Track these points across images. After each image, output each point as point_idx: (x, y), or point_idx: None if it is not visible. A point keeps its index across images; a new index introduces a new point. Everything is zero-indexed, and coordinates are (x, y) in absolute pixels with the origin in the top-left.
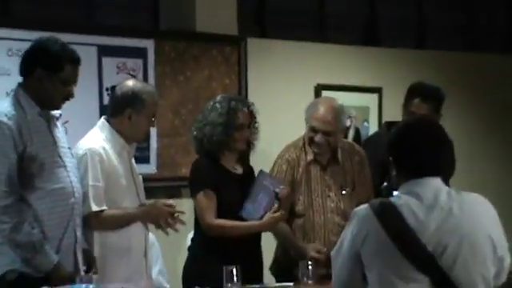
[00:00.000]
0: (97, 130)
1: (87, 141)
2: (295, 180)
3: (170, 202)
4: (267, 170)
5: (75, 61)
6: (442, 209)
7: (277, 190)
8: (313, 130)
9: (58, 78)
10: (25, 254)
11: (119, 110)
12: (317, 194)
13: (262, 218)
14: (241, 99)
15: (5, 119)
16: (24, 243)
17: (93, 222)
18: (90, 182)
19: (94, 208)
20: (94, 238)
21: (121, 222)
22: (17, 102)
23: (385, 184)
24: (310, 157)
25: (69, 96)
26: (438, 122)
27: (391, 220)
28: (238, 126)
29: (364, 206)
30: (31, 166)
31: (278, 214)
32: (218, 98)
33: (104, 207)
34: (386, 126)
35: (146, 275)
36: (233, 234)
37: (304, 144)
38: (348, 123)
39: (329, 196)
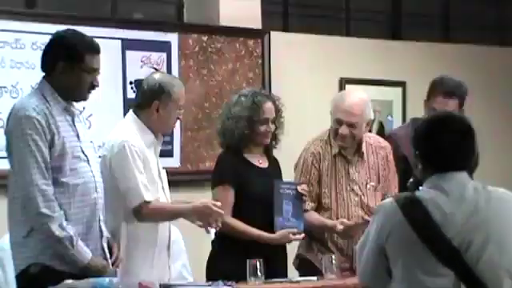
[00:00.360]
0: (127, 123)
1: (121, 133)
2: (321, 173)
3: (218, 203)
4: (291, 163)
5: (95, 49)
6: (469, 204)
7: (295, 191)
8: (338, 121)
9: (81, 68)
10: (61, 249)
11: (147, 102)
12: (341, 188)
13: (297, 224)
14: (266, 94)
15: (34, 113)
16: (62, 238)
17: (143, 211)
18: (136, 173)
19: (148, 197)
20: (122, 228)
21: (168, 215)
22: (42, 97)
23: (411, 180)
24: (335, 150)
25: (94, 85)
26: (463, 116)
27: (416, 214)
28: (262, 120)
29: (389, 200)
30: (56, 160)
31: (295, 233)
32: (244, 91)
33: (152, 198)
34: (412, 123)
35: (167, 268)
36: (238, 235)
37: (329, 137)
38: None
39: (353, 190)
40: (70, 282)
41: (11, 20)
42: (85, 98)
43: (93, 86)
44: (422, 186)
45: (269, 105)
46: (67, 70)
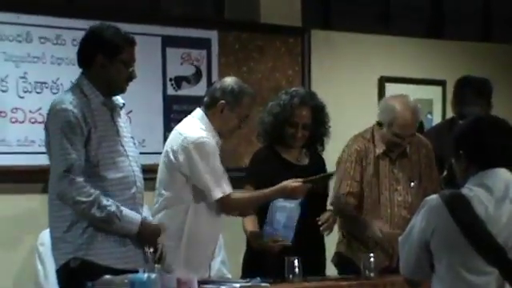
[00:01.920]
0: (195, 120)
1: (192, 130)
2: (363, 171)
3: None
4: (332, 160)
5: (131, 41)
6: None
7: (293, 205)
8: (397, 135)
9: (119, 61)
10: (110, 227)
11: (214, 101)
12: (384, 188)
13: (286, 235)
14: (306, 98)
15: (70, 107)
16: (105, 218)
17: (222, 207)
18: (207, 170)
19: (217, 195)
20: (184, 229)
21: (253, 201)
22: (80, 92)
23: (444, 173)
24: (380, 150)
25: (132, 77)
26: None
27: (462, 212)
28: (292, 122)
29: (434, 197)
30: (94, 154)
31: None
32: (290, 90)
33: (229, 191)
34: (449, 122)
35: (210, 265)
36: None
37: (373, 137)
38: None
39: (396, 190)
40: (108, 277)
41: (52, 16)
42: (123, 90)
43: (130, 78)
44: (454, 182)
45: (305, 110)
46: (106, 63)
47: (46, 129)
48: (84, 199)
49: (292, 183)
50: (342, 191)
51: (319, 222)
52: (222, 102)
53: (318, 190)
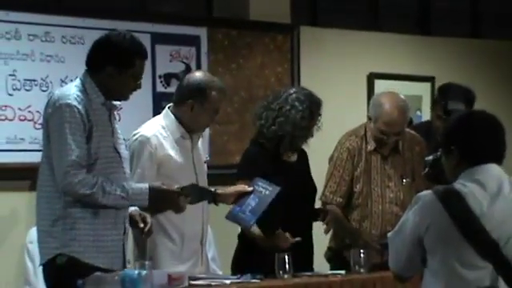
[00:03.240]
0: (160, 118)
1: (144, 127)
2: (355, 169)
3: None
4: (319, 157)
5: (144, 55)
6: (506, 198)
7: (268, 192)
8: (383, 132)
9: (129, 74)
10: (122, 207)
11: (183, 99)
12: (376, 184)
13: (249, 219)
14: (318, 102)
15: (75, 102)
16: (113, 203)
17: None
18: (137, 169)
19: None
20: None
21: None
22: (83, 89)
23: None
24: (371, 147)
25: (137, 88)
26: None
27: (456, 207)
28: (312, 128)
29: (428, 192)
30: (94, 152)
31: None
32: (296, 94)
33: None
34: (426, 124)
35: (201, 261)
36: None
37: (365, 133)
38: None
39: (388, 186)
40: (99, 274)
41: (41, 13)
42: (126, 99)
43: (135, 89)
44: (438, 179)
45: (319, 113)
46: (115, 75)
47: (45, 122)
48: (88, 192)
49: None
50: (328, 190)
51: (322, 223)
52: (191, 101)
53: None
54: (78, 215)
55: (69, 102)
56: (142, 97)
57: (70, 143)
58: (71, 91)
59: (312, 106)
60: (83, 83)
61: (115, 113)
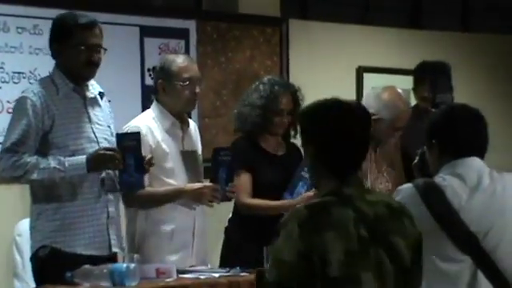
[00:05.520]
0: (149, 110)
1: (134, 120)
2: None
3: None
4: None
5: (82, 24)
6: (485, 191)
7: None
8: (397, 128)
9: (70, 45)
10: (59, 181)
11: (155, 86)
12: (368, 175)
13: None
14: (285, 84)
15: (30, 95)
16: (47, 176)
17: (123, 199)
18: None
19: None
20: (139, 214)
21: (157, 199)
22: (50, 81)
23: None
24: None
25: (91, 61)
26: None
27: (436, 201)
28: (278, 111)
29: (408, 186)
30: (62, 140)
31: (311, 193)
32: (265, 79)
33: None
34: (414, 109)
35: (192, 253)
36: (265, 212)
37: None
38: None
39: (378, 177)
40: (87, 267)
41: (29, 6)
42: (85, 76)
43: (89, 62)
44: (426, 169)
45: (286, 96)
46: (61, 49)
47: None
48: (21, 173)
49: (194, 187)
50: None
51: None
52: (159, 81)
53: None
54: (55, 206)
55: (24, 94)
56: (131, 90)
57: (9, 132)
58: (32, 86)
59: (273, 87)
60: (51, 75)
61: (102, 102)
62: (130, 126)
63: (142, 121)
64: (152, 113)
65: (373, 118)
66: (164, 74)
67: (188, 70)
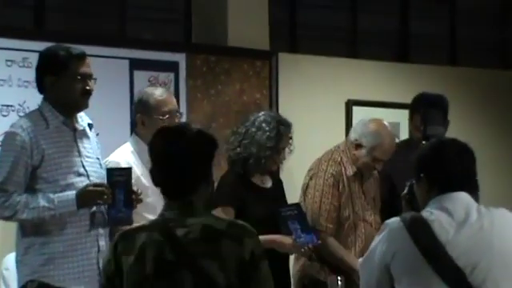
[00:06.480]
0: (127, 144)
1: (114, 155)
2: (341, 194)
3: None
4: (296, 183)
5: (76, 55)
6: (473, 226)
7: (296, 211)
8: (376, 160)
9: (66, 76)
10: (49, 220)
11: (135, 118)
12: (358, 208)
13: (310, 239)
14: (288, 124)
15: (19, 130)
16: (37, 215)
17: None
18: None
19: None
20: None
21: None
22: (39, 114)
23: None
24: (351, 172)
25: (86, 91)
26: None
27: (423, 235)
28: (281, 149)
29: (395, 220)
30: (51, 175)
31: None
32: (264, 116)
33: None
34: (405, 143)
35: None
36: None
37: (341, 159)
38: None
39: (367, 210)
40: None
41: (18, 39)
42: (81, 106)
43: (85, 92)
44: (415, 202)
45: (288, 135)
46: (55, 82)
47: None
48: (10, 213)
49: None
50: (322, 218)
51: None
52: (139, 115)
53: None
54: (44, 240)
55: (12, 130)
56: (119, 122)
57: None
58: (21, 120)
59: (279, 127)
60: (40, 109)
61: (90, 133)
62: (109, 161)
63: (121, 156)
64: (130, 147)
65: (354, 143)
66: (142, 107)
67: (167, 104)
